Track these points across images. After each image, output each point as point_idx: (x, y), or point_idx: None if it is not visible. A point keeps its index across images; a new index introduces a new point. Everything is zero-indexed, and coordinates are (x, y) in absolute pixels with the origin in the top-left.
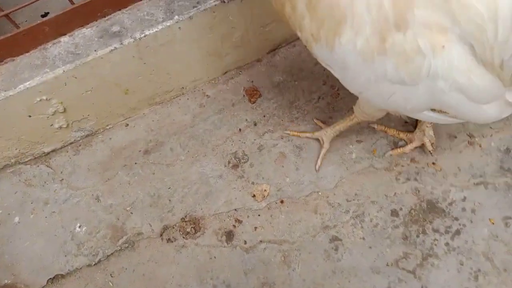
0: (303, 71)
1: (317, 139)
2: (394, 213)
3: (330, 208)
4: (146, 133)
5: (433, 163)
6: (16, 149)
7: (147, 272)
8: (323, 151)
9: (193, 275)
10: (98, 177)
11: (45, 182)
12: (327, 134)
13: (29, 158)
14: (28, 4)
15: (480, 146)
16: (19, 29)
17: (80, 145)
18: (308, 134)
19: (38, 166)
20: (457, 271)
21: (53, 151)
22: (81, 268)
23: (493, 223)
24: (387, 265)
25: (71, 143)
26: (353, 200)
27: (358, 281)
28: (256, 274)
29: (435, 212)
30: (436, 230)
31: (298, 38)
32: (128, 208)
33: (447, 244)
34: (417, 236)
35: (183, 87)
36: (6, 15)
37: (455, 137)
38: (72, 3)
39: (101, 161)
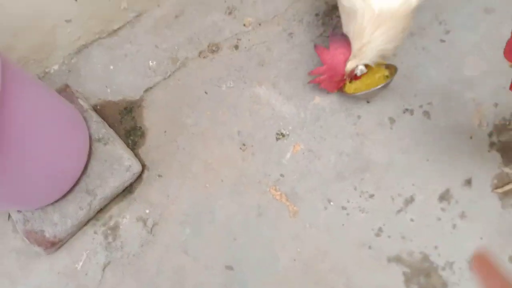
0: None
1: None
2: None
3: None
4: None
5: None
6: (98, 26)
7: (199, 75)
8: None
9: (224, 70)
10: (151, 35)
11: (122, 45)
12: None
13: (105, 34)
14: None
15: None
16: None
17: (134, 22)
18: None
19: (112, 38)
20: None
21: (118, 28)
22: (159, 81)
23: None
24: None
25: (128, 21)
26: None
27: None
28: (255, 56)
29: None
30: None
31: None
32: (176, 47)
33: None
34: None
35: None
36: None
37: None
38: None
39: (150, 26)
